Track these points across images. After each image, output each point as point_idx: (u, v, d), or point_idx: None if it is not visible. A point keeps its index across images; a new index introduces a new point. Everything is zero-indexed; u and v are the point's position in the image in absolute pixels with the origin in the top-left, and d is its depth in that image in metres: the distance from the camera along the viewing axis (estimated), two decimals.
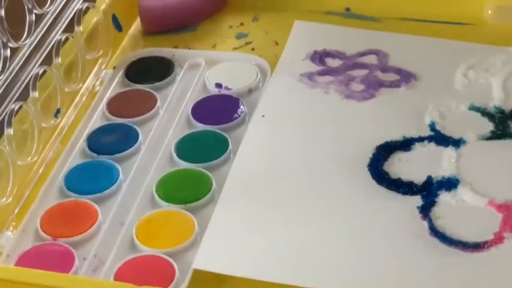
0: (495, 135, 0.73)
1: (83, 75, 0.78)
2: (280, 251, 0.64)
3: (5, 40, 0.68)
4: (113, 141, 0.74)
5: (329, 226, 0.66)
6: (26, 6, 0.72)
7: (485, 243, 0.63)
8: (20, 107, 0.70)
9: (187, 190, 0.69)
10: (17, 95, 0.70)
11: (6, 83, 0.69)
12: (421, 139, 0.73)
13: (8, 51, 0.70)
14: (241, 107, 0.76)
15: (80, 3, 0.78)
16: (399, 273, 0.62)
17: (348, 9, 0.84)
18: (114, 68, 0.80)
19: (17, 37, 0.71)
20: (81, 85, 0.77)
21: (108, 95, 0.78)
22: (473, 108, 0.75)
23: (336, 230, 0.65)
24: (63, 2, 0.77)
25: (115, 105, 0.77)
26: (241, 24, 0.83)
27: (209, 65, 0.80)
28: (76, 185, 0.70)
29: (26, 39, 0.72)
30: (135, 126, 0.75)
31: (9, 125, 0.68)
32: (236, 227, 0.66)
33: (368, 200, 0.68)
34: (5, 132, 0.68)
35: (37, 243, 0.67)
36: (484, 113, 0.74)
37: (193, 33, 0.84)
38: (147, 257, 0.64)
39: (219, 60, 0.80)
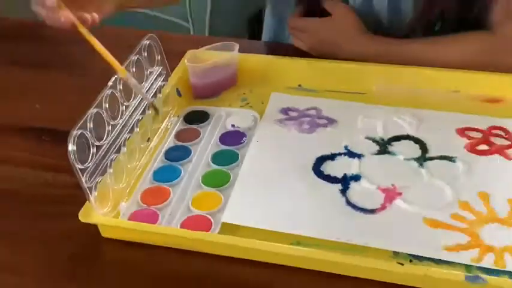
0: (380, 152, 0.73)
1: (162, 120, 0.78)
2: (278, 212, 0.65)
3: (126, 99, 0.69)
4: (178, 154, 0.74)
5: (302, 198, 0.66)
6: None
7: (376, 209, 0.65)
8: (130, 137, 0.71)
9: (217, 180, 0.69)
10: (128, 128, 0.71)
11: (122, 126, 0.70)
12: (340, 154, 0.73)
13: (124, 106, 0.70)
14: (244, 137, 0.76)
15: (159, 82, 0.79)
16: (330, 224, 0.63)
17: (299, 85, 0.84)
18: (178, 116, 0.80)
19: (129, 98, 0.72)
20: (161, 125, 0.78)
21: (175, 130, 0.78)
22: (368, 138, 0.75)
23: (304, 199, 0.66)
24: (151, 82, 0.77)
25: (179, 135, 0.77)
26: (244, 93, 0.84)
27: (227, 115, 0.80)
28: (158, 177, 0.71)
29: (133, 100, 0.73)
30: (190, 146, 0.75)
31: (124, 145, 0.69)
32: (247, 198, 0.66)
33: (314, 185, 0.68)
34: (121, 150, 0.68)
35: (138, 208, 0.66)
36: (374, 140, 0.75)
37: (218, 99, 0.84)
38: (197, 215, 0.65)
39: (232, 113, 0.81)
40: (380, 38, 0.83)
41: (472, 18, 0.83)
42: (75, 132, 0.61)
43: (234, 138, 0.75)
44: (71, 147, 0.60)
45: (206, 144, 0.75)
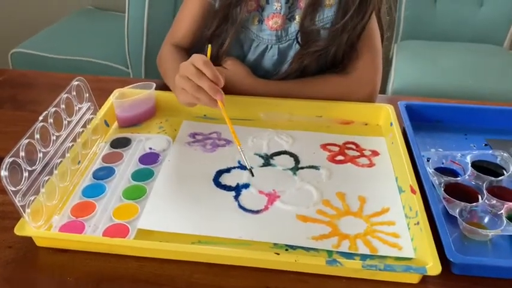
0: (264, 165, 0.70)
1: (91, 146, 0.72)
2: (184, 217, 0.60)
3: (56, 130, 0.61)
4: (104, 173, 0.68)
5: (203, 205, 0.62)
6: (63, 117, 0.65)
7: (261, 210, 0.62)
8: (61, 161, 0.65)
9: (135, 193, 0.64)
10: (59, 154, 0.65)
11: (53, 153, 0.63)
12: (234, 167, 0.69)
13: (55, 136, 0.63)
14: (159, 157, 0.71)
15: (89, 115, 0.72)
16: (225, 225, 0.60)
17: (205, 115, 0.80)
18: (105, 142, 0.74)
19: (59, 130, 0.64)
20: (90, 150, 0.72)
21: (102, 154, 0.72)
22: (256, 154, 0.72)
23: (205, 206, 0.62)
24: (81, 115, 0.71)
25: (105, 158, 0.71)
26: (161, 122, 0.80)
27: (146, 140, 0.75)
28: (86, 193, 0.65)
29: (64, 130, 0.66)
30: (114, 167, 0.69)
31: (55, 168, 0.63)
32: (159, 208, 0.62)
33: (213, 194, 0.65)
34: (53, 172, 0.61)
35: (68, 220, 0.61)
36: (260, 155, 0.72)
37: (140, 127, 0.78)
38: (117, 224, 0.60)
39: (151, 138, 0.75)
40: (264, 81, 0.80)
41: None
42: (8, 160, 0.54)
43: (150, 158, 0.71)
44: (3, 172, 0.54)
45: (127, 165, 0.69)
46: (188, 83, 0.67)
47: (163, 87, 0.83)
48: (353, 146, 0.73)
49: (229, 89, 0.80)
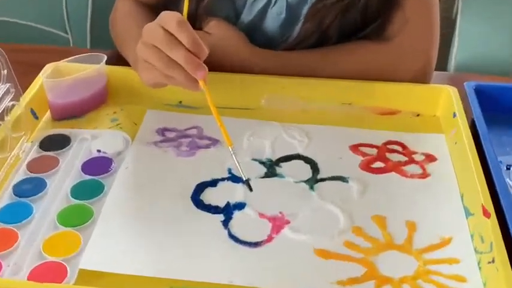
0: (267, 175, 0.71)
1: (11, 147, 0.72)
2: (149, 253, 0.61)
3: None
4: (29, 188, 0.68)
5: (177, 234, 0.62)
6: None
7: (262, 241, 0.62)
8: None
9: (77, 217, 0.64)
10: None
11: None
12: (223, 179, 0.70)
13: None
14: (113, 164, 0.71)
15: (7, 101, 0.72)
16: (210, 263, 0.59)
17: (180, 102, 0.81)
18: (32, 142, 0.74)
19: None
20: (9, 154, 0.71)
21: (28, 159, 0.72)
22: (254, 159, 0.73)
23: (180, 235, 0.62)
24: None
25: (32, 165, 0.71)
26: (114, 112, 0.80)
27: (93, 138, 0.75)
28: (4, 217, 0.64)
29: None
30: (45, 178, 0.69)
31: None
32: (111, 238, 0.62)
33: (192, 218, 0.65)
34: None
35: None
36: (260, 162, 0.73)
37: (83, 119, 0.79)
38: (50, 263, 0.59)
39: (100, 135, 0.76)
40: (266, 51, 0.82)
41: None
42: None
43: (99, 165, 0.71)
44: None
45: (65, 175, 0.69)
46: (156, 54, 0.66)
47: (118, 60, 0.83)
48: (398, 148, 0.73)
49: (214, 64, 0.80)
